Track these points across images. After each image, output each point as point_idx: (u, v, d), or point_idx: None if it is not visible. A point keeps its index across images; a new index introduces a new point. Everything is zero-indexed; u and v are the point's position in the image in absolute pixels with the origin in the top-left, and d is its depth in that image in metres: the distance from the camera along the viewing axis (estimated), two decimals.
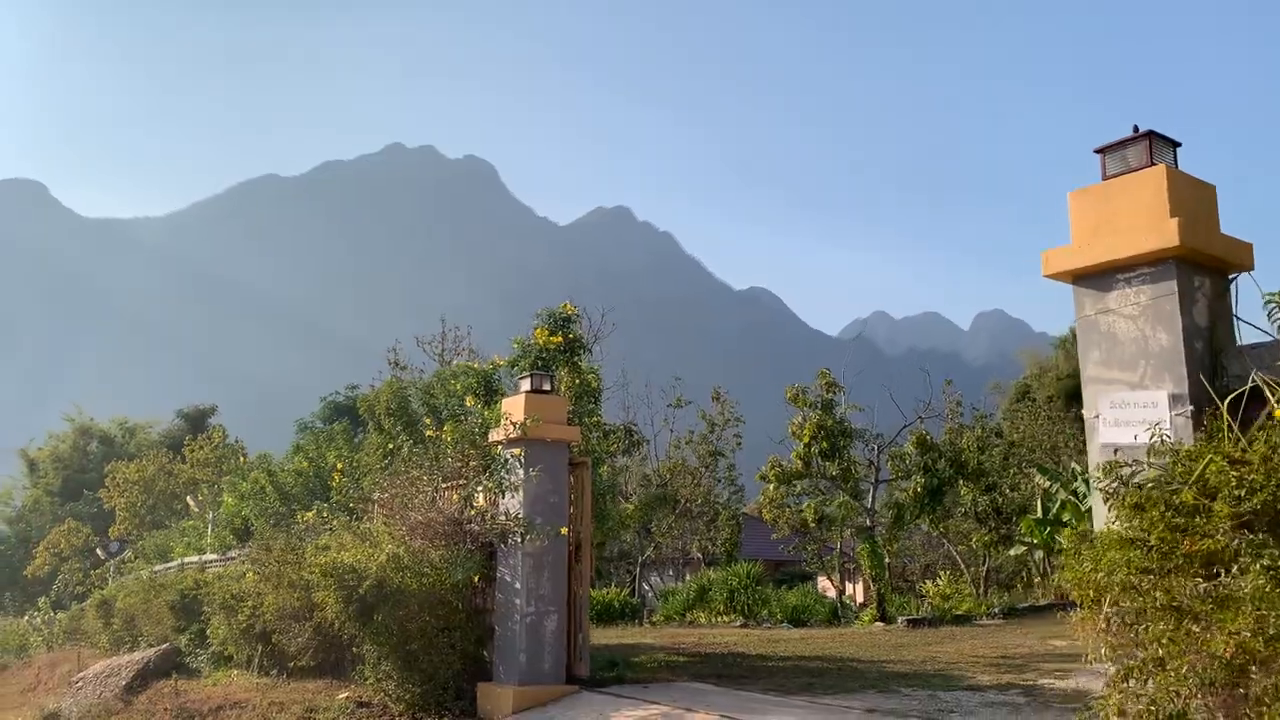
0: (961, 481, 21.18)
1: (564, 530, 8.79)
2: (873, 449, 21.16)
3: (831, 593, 42.12)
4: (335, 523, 9.84)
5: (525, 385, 9.30)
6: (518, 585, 8.82)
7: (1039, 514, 25.21)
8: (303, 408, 26.99)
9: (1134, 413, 4.15)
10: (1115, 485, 4.04)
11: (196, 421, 49.82)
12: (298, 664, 10.93)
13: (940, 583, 24.55)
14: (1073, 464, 28.34)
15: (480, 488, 9.13)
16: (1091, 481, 4.31)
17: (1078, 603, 4.24)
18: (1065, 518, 25.11)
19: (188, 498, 26.35)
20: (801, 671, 10.68)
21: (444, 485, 9.77)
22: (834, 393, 20.17)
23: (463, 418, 10.28)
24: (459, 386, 10.84)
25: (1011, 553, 25.67)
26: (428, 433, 10.15)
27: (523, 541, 8.74)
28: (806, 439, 19.85)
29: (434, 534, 9.09)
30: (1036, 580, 30.32)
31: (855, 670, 10.80)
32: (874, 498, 20.69)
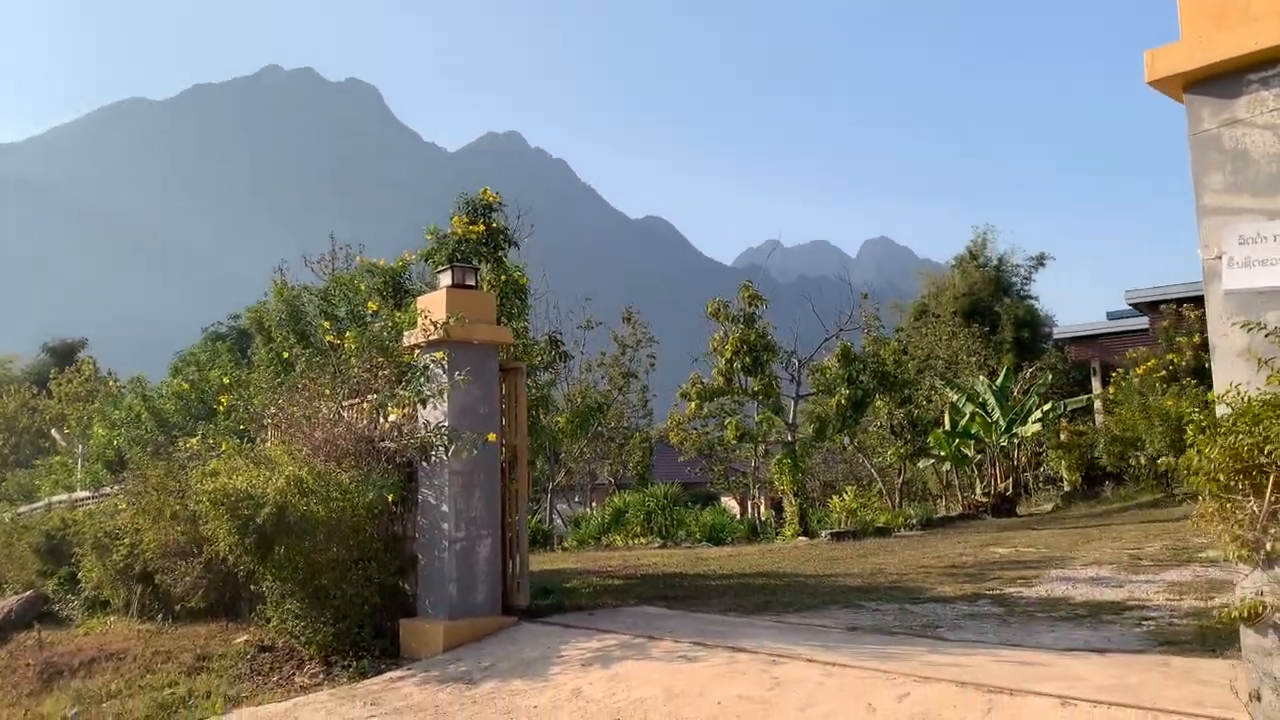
0: (879, 395, 20.81)
1: (492, 437, 7.66)
2: (792, 365, 20.55)
3: (737, 511, 42.26)
4: (224, 447, 8.49)
5: (446, 279, 8.04)
6: (444, 508, 7.70)
7: (947, 427, 25.28)
8: (183, 344, 24.90)
9: (1274, 248, 3.25)
10: (1269, 338, 3.14)
11: (64, 356, 46.27)
12: (186, 606, 9.61)
13: (847, 497, 24.43)
14: (980, 377, 28.56)
15: (395, 400, 7.91)
16: (1213, 340, 3.40)
17: (1202, 492, 3.35)
18: (974, 430, 25.26)
19: (53, 432, 24.08)
20: (751, 589, 9.92)
21: (350, 401, 8.51)
22: (756, 306, 19.36)
23: (369, 323, 8.98)
24: (363, 288, 9.49)
25: (920, 465, 25.72)
26: (328, 338, 8.81)
27: (448, 456, 7.59)
28: (729, 354, 19.05)
29: (342, 453, 7.86)
30: (943, 491, 30.76)
31: (806, 586, 10.11)
32: (795, 412, 20.13)
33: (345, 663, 7.45)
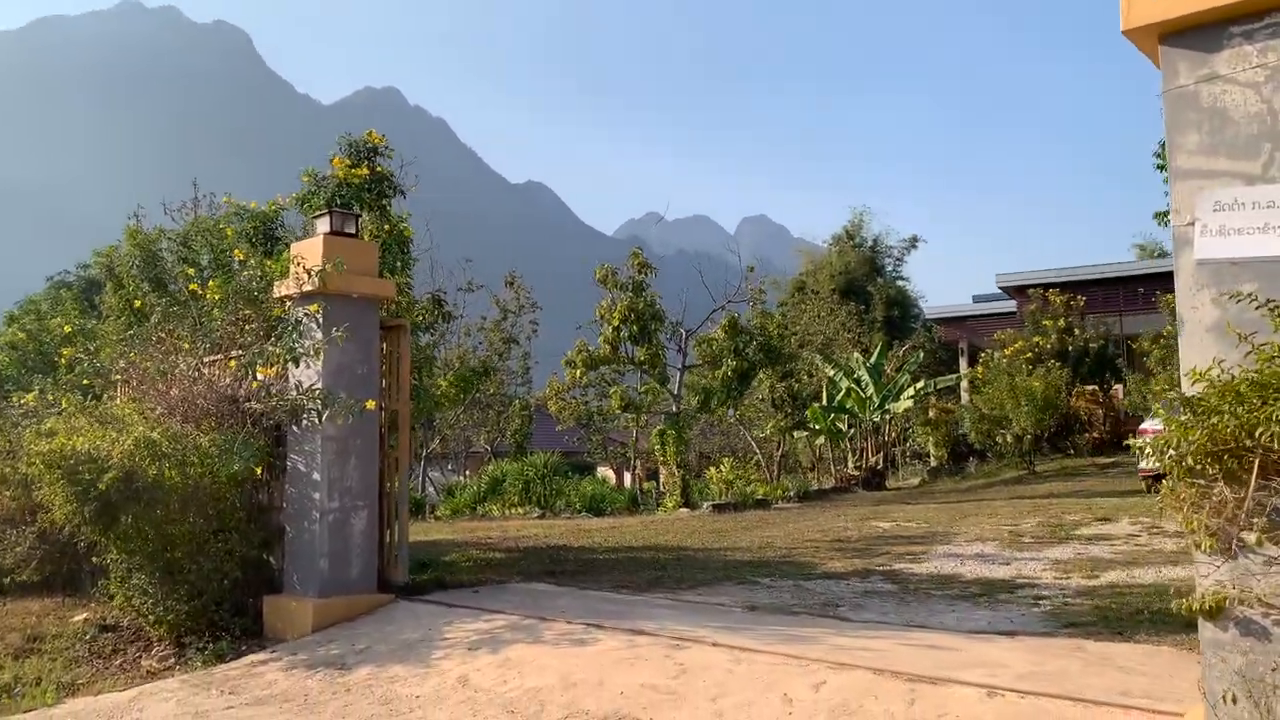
0: (764, 369, 20.86)
1: (371, 404, 7.03)
2: (678, 336, 20.34)
3: (613, 480, 42.20)
4: (65, 404, 7.57)
5: (323, 225, 7.31)
6: (316, 476, 7.03)
7: (824, 402, 25.65)
8: (26, 295, 22.82)
9: (1251, 216, 3.02)
10: (1257, 308, 2.90)
11: None
12: (17, 579, 8.63)
13: (724, 468, 24.56)
14: (855, 354, 29.10)
15: (263, 357, 7.17)
16: (1181, 313, 3.16)
17: (1172, 476, 3.12)
18: (849, 405, 25.72)
19: None
20: (639, 564, 9.60)
21: (212, 358, 7.72)
22: (645, 274, 19.01)
23: (235, 271, 8.15)
24: (230, 234, 8.62)
25: (797, 437, 26.05)
26: (191, 286, 7.95)
27: (321, 421, 6.93)
28: (616, 322, 18.67)
29: (201, 413, 7.08)
30: (815, 464, 31.32)
31: (696, 560, 9.85)
32: (680, 383, 19.94)
33: (200, 644, 6.75)
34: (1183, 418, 3.05)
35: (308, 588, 7.02)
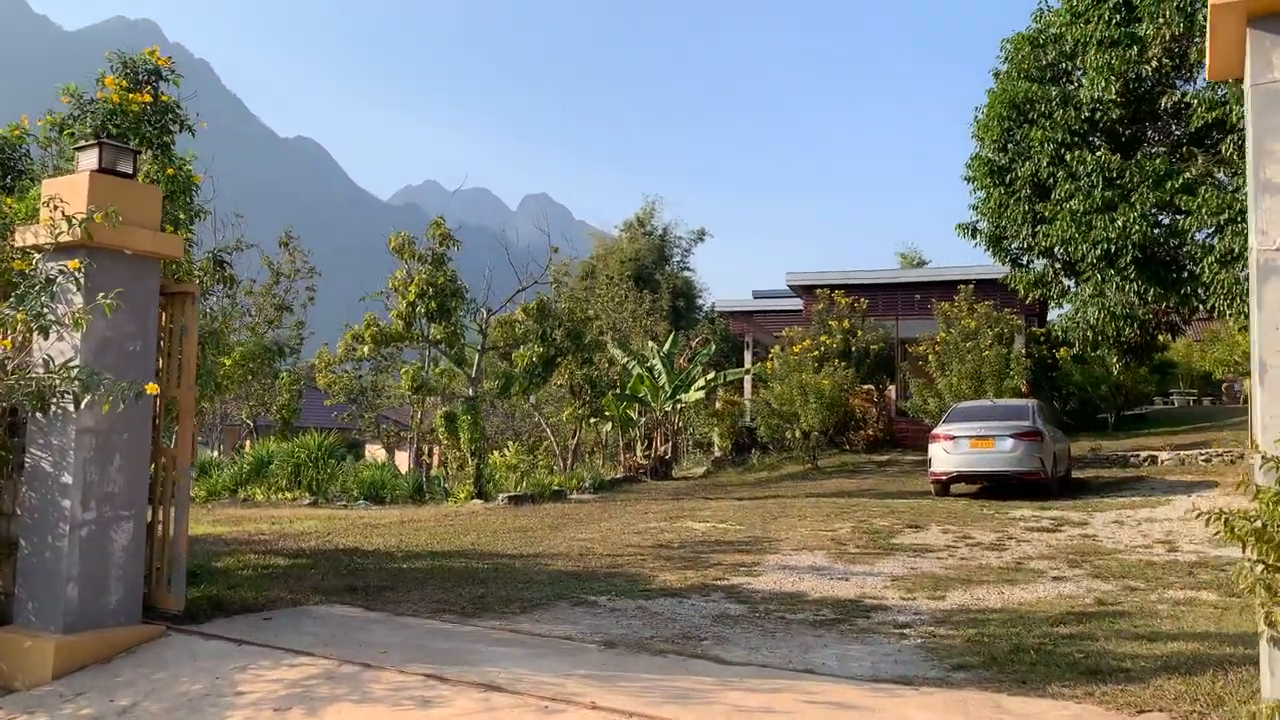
0: (568, 354, 20.05)
1: (151, 388, 5.59)
2: (480, 316, 19.12)
3: (381, 461, 40.02)
4: None
5: (89, 160, 5.75)
6: (66, 478, 5.52)
7: (621, 389, 25.25)
8: None
9: None
10: None
11: None
12: None
13: (509, 453, 23.65)
14: (649, 343, 28.93)
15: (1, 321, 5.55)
16: (1263, 356, 2.59)
17: (1244, 546, 2.55)
18: (642, 393, 25.47)
19: None
20: (454, 576, 8.54)
21: None
22: (448, 246, 17.67)
23: None
24: None
25: (598, 425, 25.53)
26: None
27: (78, 409, 5.43)
28: (412, 296, 17.21)
29: None
30: (601, 451, 30.95)
31: (516, 571, 8.91)
32: (478, 366, 18.75)
33: None
34: (1274, 487, 2.48)
35: (49, 620, 5.50)
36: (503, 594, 7.63)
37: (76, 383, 5.35)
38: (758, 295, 36.16)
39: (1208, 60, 2.92)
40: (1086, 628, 6.24)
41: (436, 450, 32.45)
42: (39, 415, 5.57)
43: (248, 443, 35.22)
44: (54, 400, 5.44)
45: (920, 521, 12.35)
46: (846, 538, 10.94)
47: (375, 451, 43.46)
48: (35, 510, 5.65)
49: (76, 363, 5.46)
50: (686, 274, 49.48)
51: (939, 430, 16.09)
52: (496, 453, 24.36)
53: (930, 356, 23.73)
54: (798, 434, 23.89)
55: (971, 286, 24.89)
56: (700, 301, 49.18)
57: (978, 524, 12.05)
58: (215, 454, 32.22)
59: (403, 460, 42.87)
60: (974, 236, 16.97)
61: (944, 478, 15.87)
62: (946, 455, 15.71)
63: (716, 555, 9.80)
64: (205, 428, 34.91)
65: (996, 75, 16.00)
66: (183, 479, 6.07)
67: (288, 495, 20.55)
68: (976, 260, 43.46)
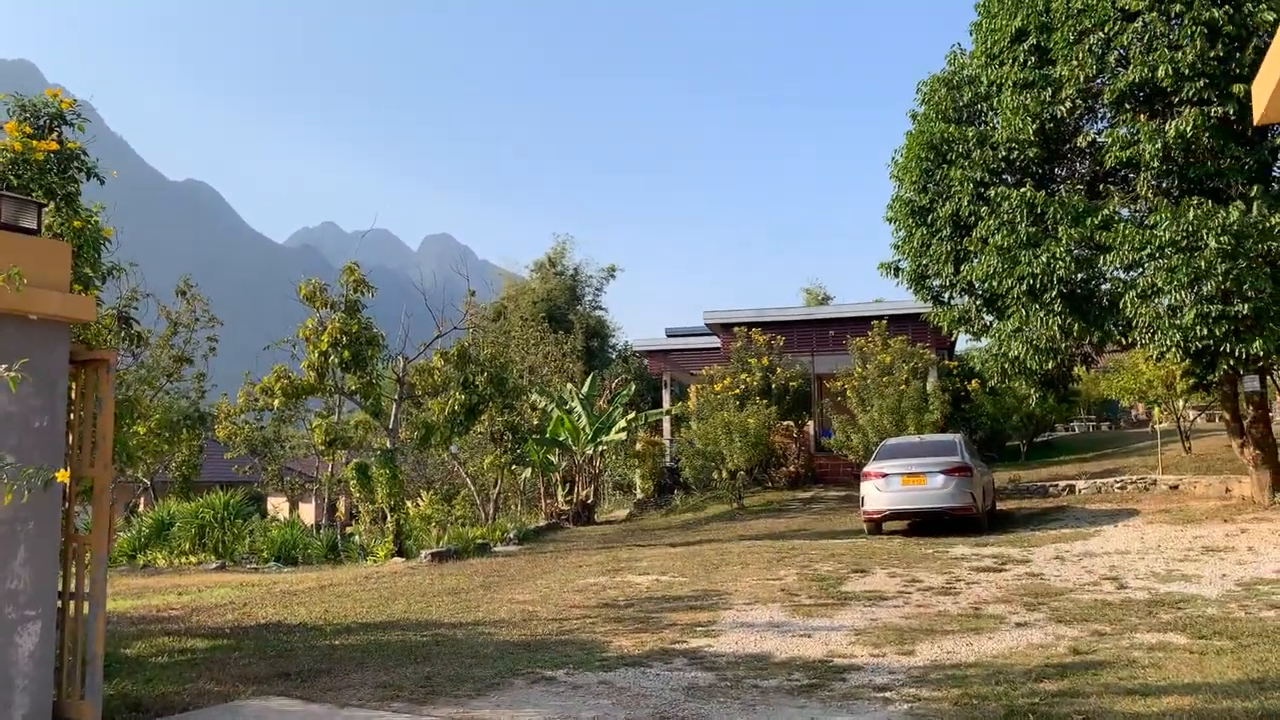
0: (490, 401, 19.45)
1: (62, 476, 4.94)
2: (396, 365, 18.41)
3: (284, 515, 38.48)
4: None
5: None
6: None
7: (539, 434, 24.68)
8: None
9: None
10: None
11: None
12: None
13: (422, 503, 22.83)
14: (568, 385, 28.46)
15: None
16: None
17: None
18: (561, 436, 24.97)
19: None
20: (393, 653, 7.92)
21: None
22: (362, 292, 16.97)
23: None
24: None
25: (526, 474, 24.90)
26: None
27: None
28: (325, 345, 16.43)
29: None
30: (519, 497, 30.21)
31: (459, 643, 8.33)
32: (396, 418, 18.00)
33: None
34: None
35: None
36: (451, 673, 7.07)
37: None
38: (671, 334, 36.12)
39: (1262, 109, 2.73)
40: (1072, 682, 6.05)
41: (343, 501, 31.23)
42: None
43: (141, 501, 33.29)
44: None
45: (864, 565, 12.17)
46: (796, 587, 10.67)
47: (278, 504, 41.66)
48: None
49: None
50: (599, 313, 49.27)
51: (870, 468, 16.06)
52: (410, 502, 23.47)
53: (849, 392, 23.90)
54: (724, 474, 23.70)
55: (885, 322, 25.26)
56: (613, 340, 49.00)
57: (921, 565, 11.94)
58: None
59: (307, 512, 41.18)
60: (896, 275, 17.14)
61: (877, 516, 15.82)
62: (879, 493, 15.67)
63: (668, 614, 9.40)
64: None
65: (914, 117, 16.26)
66: (99, 569, 5.39)
67: (192, 559, 19.34)
68: (885, 294, 44.47)
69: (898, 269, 17.07)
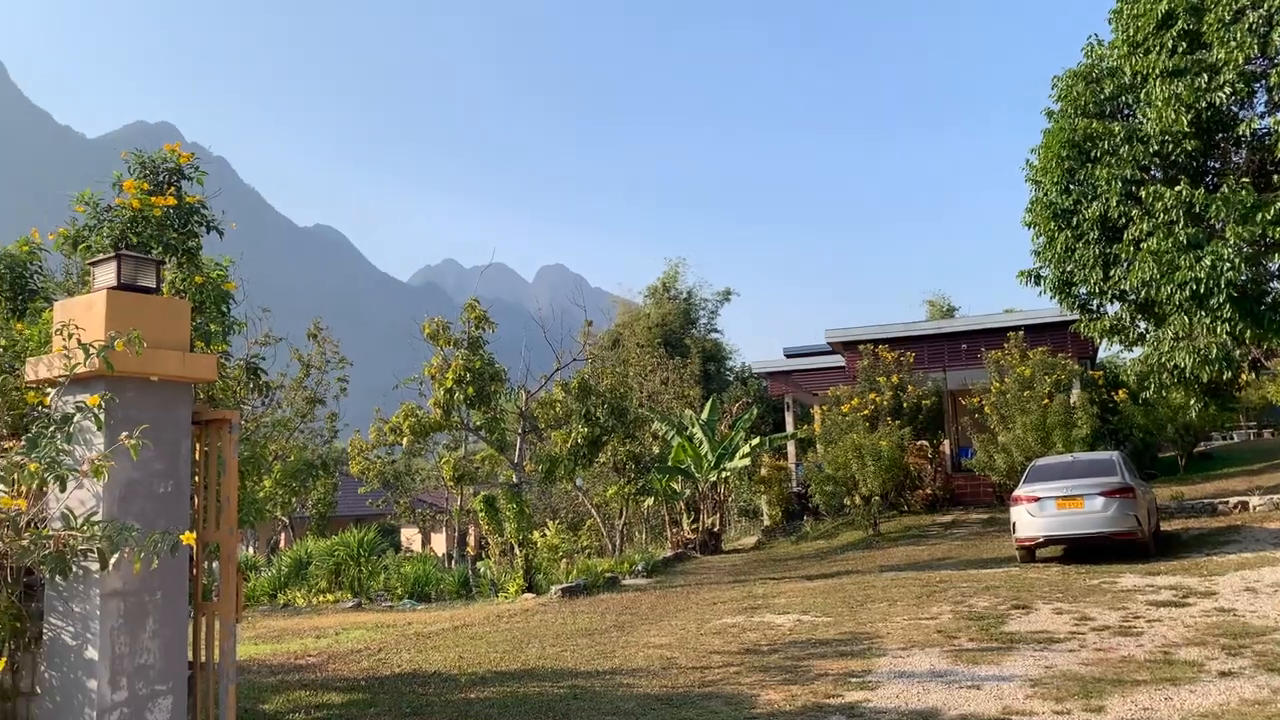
0: (612, 433, 19.14)
1: (189, 538, 4.73)
2: (518, 398, 18.33)
3: (417, 546, 39.07)
4: None
5: (107, 275, 4.99)
6: (91, 653, 4.65)
7: (660, 461, 24.23)
8: None
9: None
10: None
11: None
12: None
13: (549, 533, 22.61)
14: (688, 411, 27.91)
15: (7, 475, 4.75)
16: None
17: None
18: (684, 463, 24.42)
19: None
20: (531, 709, 7.55)
21: None
22: (484, 329, 16.94)
23: None
24: None
25: (649, 502, 24.49)
26: None
27: (101, 570, 4.58)
28: (450, 383, 16.43)
29: None
30: (643, 526, 29.82)
31: (598, 696, 7.91)
32: (520, 451, 17.88)
33: None
34: None
35: None
36: None
37: (100, 538, 4.51)
38: (790, 353, 35.23)
39: None
40: None
41: (473, 531, 31.47)
42: (57, 579, 4.73)
43: (283, 538, 34.36)
44: (75, 560, 4.61)
45: (1024, 599, 11.24)
46: (953, 627, 9.86)
47: (411, 536, 42.50)
48: (56, 692, 4.77)
49: (98, 515, 4.63)
50: (715, 336, 48.74)
51: (1021, 491, 15.00)
52: (536, 532, 23.39)
53: (987, 408, 22.67)
54: (857, 499, 22.75)
55: (1021, 333, 23.90)
56: (730, 363, 48.34)
57: (1089, 600, 10.93)
58: (250, 551, 31.36)
59: (439, 542, 41.83)
60: (1037, 283, 16.04)
61: (1030, 543, 14.73)
62: (1032, 519, 14.60)
63: (816, 661, 8.76)
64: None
65: (1050, 114, 15.23)
66: (228, 639, 5.18)
67: (329, 597, 19.61)
68: (1016, 303, 42.46)
69: (1038, 276, 15.98)
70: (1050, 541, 14.80)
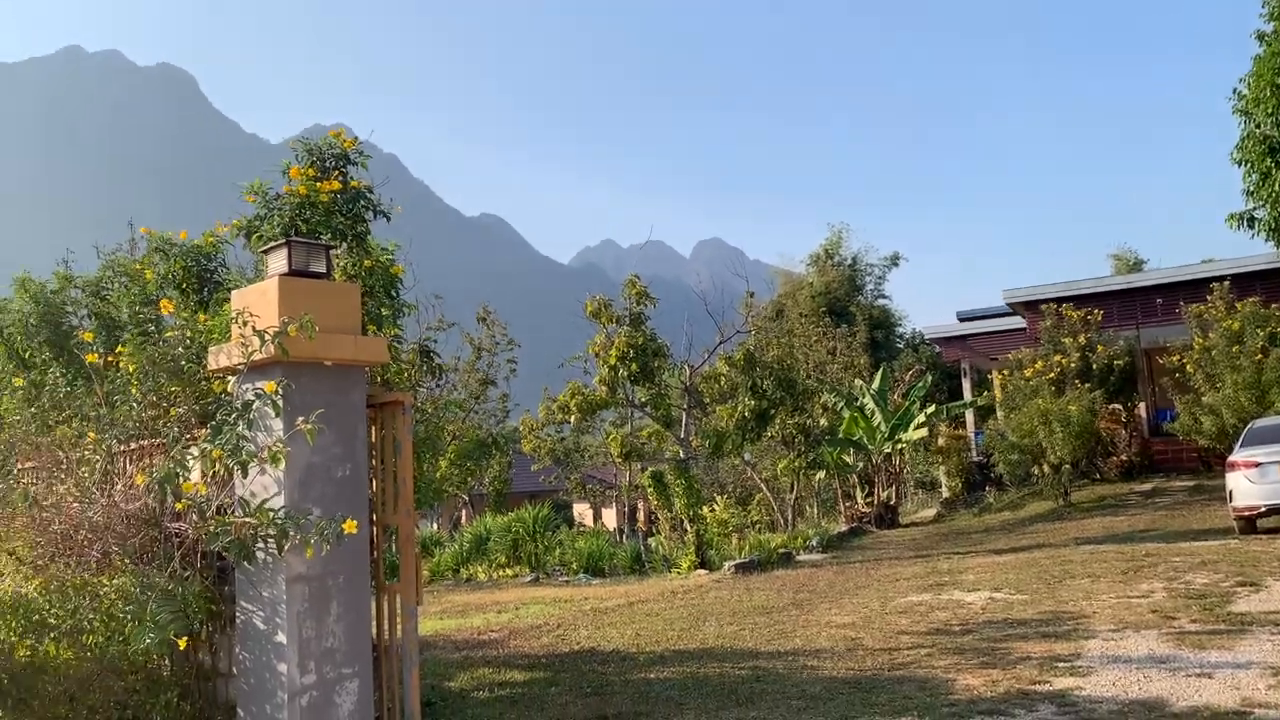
0: (780, 405, 18.67)
1: (349, 526, 4.70)
2: (682, 373, 18.12)
3: (589, 521, 39.66)
4: None
5: (278, 263, 5.04)
6: (279, 636, 4.72)
7: (829, 434, 23.51)
8: None
9: None
10: None
11: None
12: None
13: (718, 507, 22.31)
14: (857, 381, 26.97)
15: (195, 455, 4.87)
16: None
17: None
18: (856, 436, 23.58)
19: None
20: (712, 690, 7.32)
21: (123, 449, 5.40)
22: (645, 305, 16.80)
23: (154, 331, 5.85)
24: (151, 278, 6.32)
25: (820, 476, 23.87)
26: (88, 358, 5.58)
27: (283, 553, 4.62)
28: (613, 360, 16.40)
29: (105, 547, 4.77)
30: (814, 499, 29.18)
31: (782, 678, 7.59)
32: (686, 426, 17.70)
33: None
34: None
35: None
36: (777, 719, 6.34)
37: (282, 523, 4.54)
38: (963, 317, 33.54)
39: None
40: None
41: (642, 506, 31.68)
42: (245, 563, 4.80)
43: (463, 514, 35.69)
44: (260, 544, 4.66)
45: (1250, 575, 10.15)
46: (1170, 607, 8.99)
47: (583, 511, 43.35)
48: (250, 674, 4.87)
49: (279, 500, 4.67)
50: (883, 302, 47.18)
51: (1237, 456, 13.64)
52: (705, 507, 23.22)
53: (1189, 367, 20.85)
54: (1045, 468, 21.43)
55: (1227, 283, 21.82)
56: (900, 330, 46.68)
57: None
58: (434, 528, 32.68)
59: (609, 517, 42.49)
60: (1250, 226, 14.49)
61: (1251, 513, 13.39)
62: (1252, 485, 13.25)
63: (1015, 643, 8.14)
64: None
65: (1261, 37, 13.62)
66: (409, 621, 5.17)
67: (508, 572, 20.11)
68: (1213, 252, 39.03)
69: (1251, 219, 14.42)
70: (1273, 511, 13.41)
